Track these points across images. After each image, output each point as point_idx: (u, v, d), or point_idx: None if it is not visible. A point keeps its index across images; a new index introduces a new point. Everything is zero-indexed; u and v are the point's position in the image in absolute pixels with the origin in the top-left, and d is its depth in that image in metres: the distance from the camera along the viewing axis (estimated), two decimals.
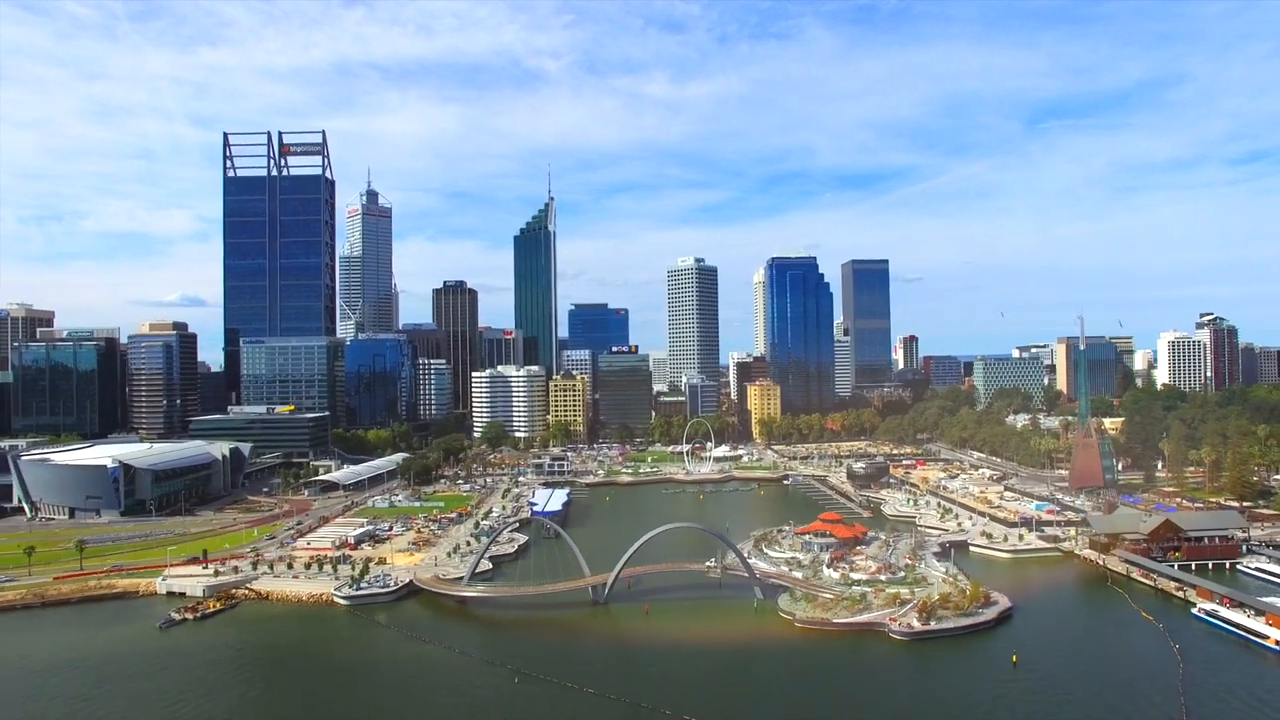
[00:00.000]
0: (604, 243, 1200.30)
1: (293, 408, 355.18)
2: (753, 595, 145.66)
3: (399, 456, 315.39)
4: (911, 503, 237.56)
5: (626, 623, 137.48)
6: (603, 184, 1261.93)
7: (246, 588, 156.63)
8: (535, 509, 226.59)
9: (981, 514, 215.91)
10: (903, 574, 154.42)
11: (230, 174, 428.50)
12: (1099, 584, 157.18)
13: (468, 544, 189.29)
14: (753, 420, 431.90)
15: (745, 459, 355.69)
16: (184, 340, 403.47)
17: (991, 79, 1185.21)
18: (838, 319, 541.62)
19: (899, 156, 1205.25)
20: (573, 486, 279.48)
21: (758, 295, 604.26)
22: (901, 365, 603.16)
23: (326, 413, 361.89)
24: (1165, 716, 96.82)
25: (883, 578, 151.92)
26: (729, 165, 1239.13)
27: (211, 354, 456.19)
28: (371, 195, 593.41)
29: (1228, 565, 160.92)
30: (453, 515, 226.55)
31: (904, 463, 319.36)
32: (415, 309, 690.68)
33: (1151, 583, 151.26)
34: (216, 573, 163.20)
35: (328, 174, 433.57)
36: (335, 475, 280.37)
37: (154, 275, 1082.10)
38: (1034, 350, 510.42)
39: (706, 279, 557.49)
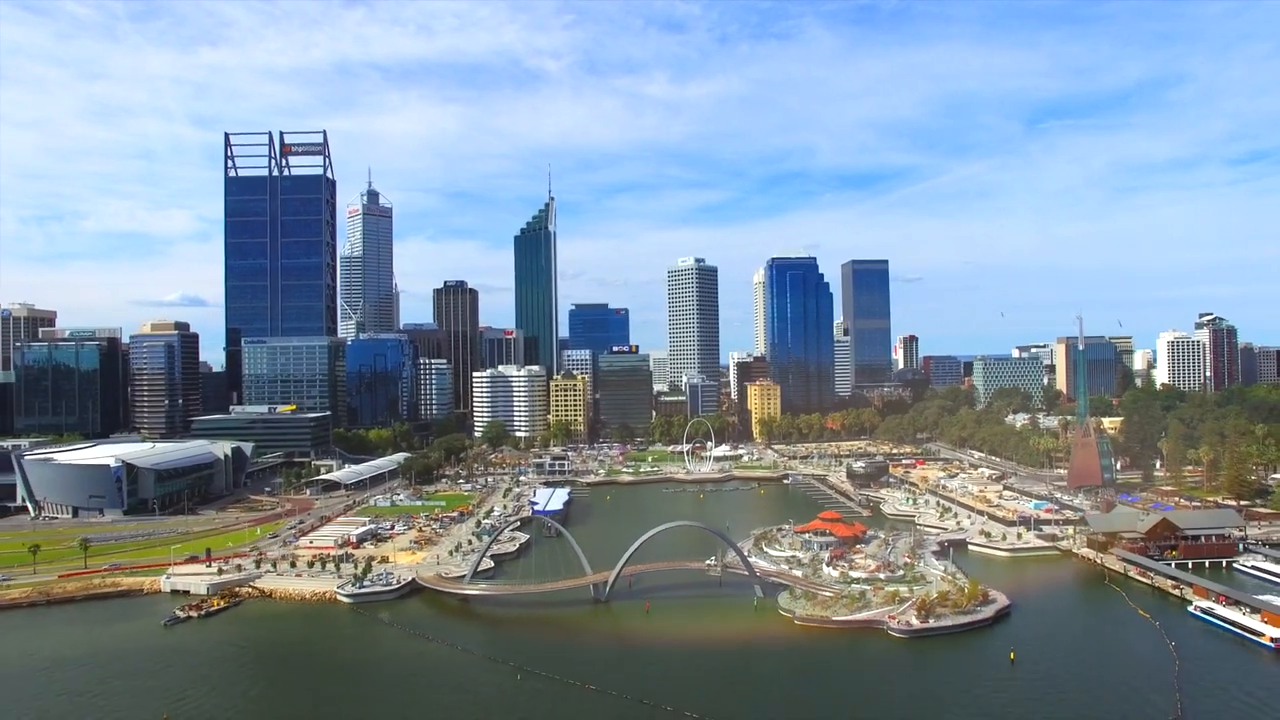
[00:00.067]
0: (604, 243, 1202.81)
1: (294, 407, 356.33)
2: (753, 593, 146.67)
3: (400, 456, 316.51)
4: (911, 502, 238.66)
5: (627, 621, 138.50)
6: (603, 184, 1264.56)
7: (250, 586, 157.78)
8: (536, 508, 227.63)
9: (980, 513, 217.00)
10: (902, 572, 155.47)
11: (231, 174, 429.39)
12: (1096, 582, 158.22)
13: (469, 543, 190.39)
14: (753, 420, 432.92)
15: (745, 458, 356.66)
16: (186, 340, 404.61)
17: (992, 79, 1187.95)
18: (838, 319, 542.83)
19: (899, 156, 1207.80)
20: (573, 486, 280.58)
21: (758, 295, 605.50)
22: (901, 365, 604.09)
23: (328, 412, 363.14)
24: (1161, 713, 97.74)
25: (882, 576, 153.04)
26: (729, 165, 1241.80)
27: (212, 354, 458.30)
28: (372, 195, 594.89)
29: (1224, 564, 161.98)
30: (454, 514, 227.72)
31: (903, 462, 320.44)
32: (416, 309, 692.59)
33: (1149, 581, 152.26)
34: (220, 571, 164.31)
35: (329, 174, 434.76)
36: (337, 475, 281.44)
37: (154, 275, 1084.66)
38: (1034, 350, 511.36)
39: (707, 279, 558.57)
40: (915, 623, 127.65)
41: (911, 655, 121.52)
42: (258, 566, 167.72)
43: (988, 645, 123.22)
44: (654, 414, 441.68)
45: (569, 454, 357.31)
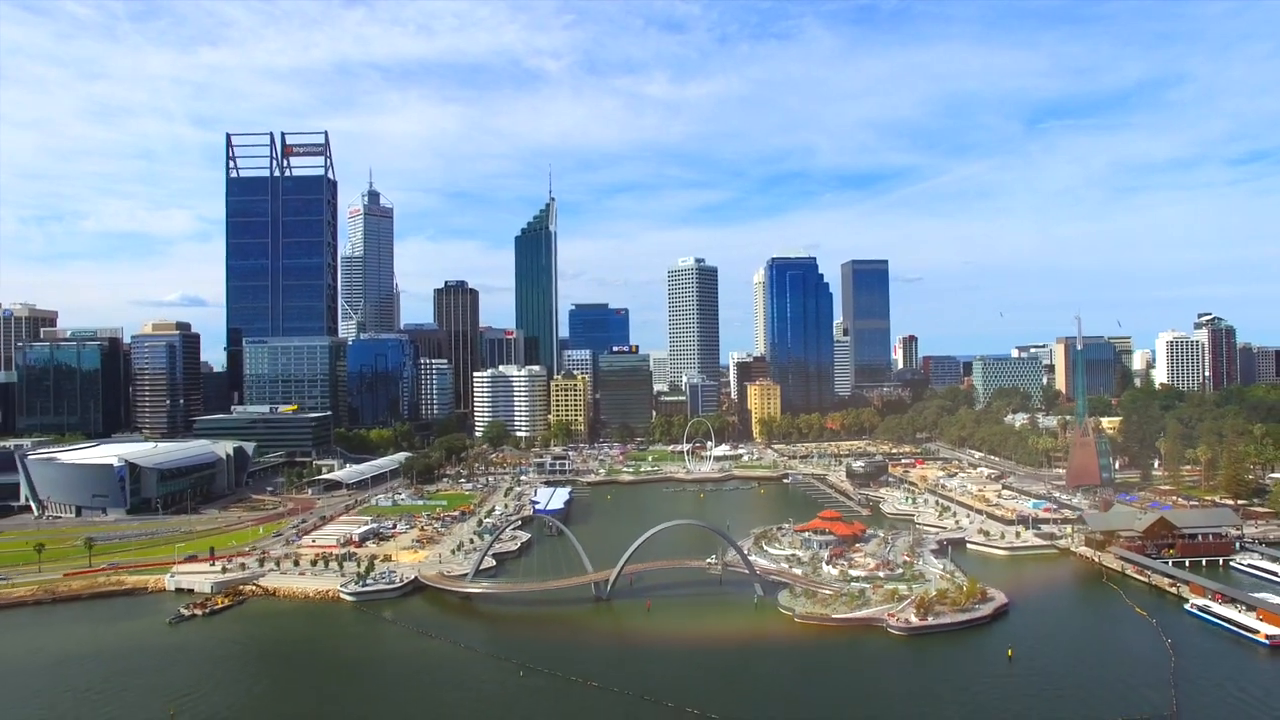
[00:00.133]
0: (604, 243, 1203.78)
1: (296, 407, 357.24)
2: (753, 592, 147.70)
3: (401, 456, 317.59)
4: (910, 501, 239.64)
5: (629, 619, 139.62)
6: (603, 184, 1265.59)
7: (254, 584, 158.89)
8: (537, 507, 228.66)
9: (979, 512, 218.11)
10: (901, 571, 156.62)
11: (233, 174, 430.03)
12: (1094, 580, 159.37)
13: (471, 541, 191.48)
14: (753, 420, 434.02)
15: (745, 458, 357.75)
16: (187, 340, 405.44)
17: (992, 79, 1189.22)
18: (837, 319, 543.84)
19: (899, 156, 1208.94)
20: (574, 485, 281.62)
21: (758, 295, 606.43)
22: (901, 365, 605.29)
23: (329, 412, 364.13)
24: (1156, 709, 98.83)
25: (881, 574, 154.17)
26: (729, 165, 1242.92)
27: (212, 354, 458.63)
28: (373, 195, 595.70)
29: (1221, 562, 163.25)
30: (456, 513, 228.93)
31: (903, 462, 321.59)
32: (416, 309, 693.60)
33: (1146, 579, 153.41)
34: (224, 569, 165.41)
35: (330, 174, 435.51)
36: (339, 474, 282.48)
37: (154, 275, 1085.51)
38: (1033, 350, 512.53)
39: (707, 279, 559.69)
40: (914, 620, 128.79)
41: (910, 652, 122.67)
42: (261, 565, 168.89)
43: (986, 643, 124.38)
44: (654, 414, 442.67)
45: (569, 454, 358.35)
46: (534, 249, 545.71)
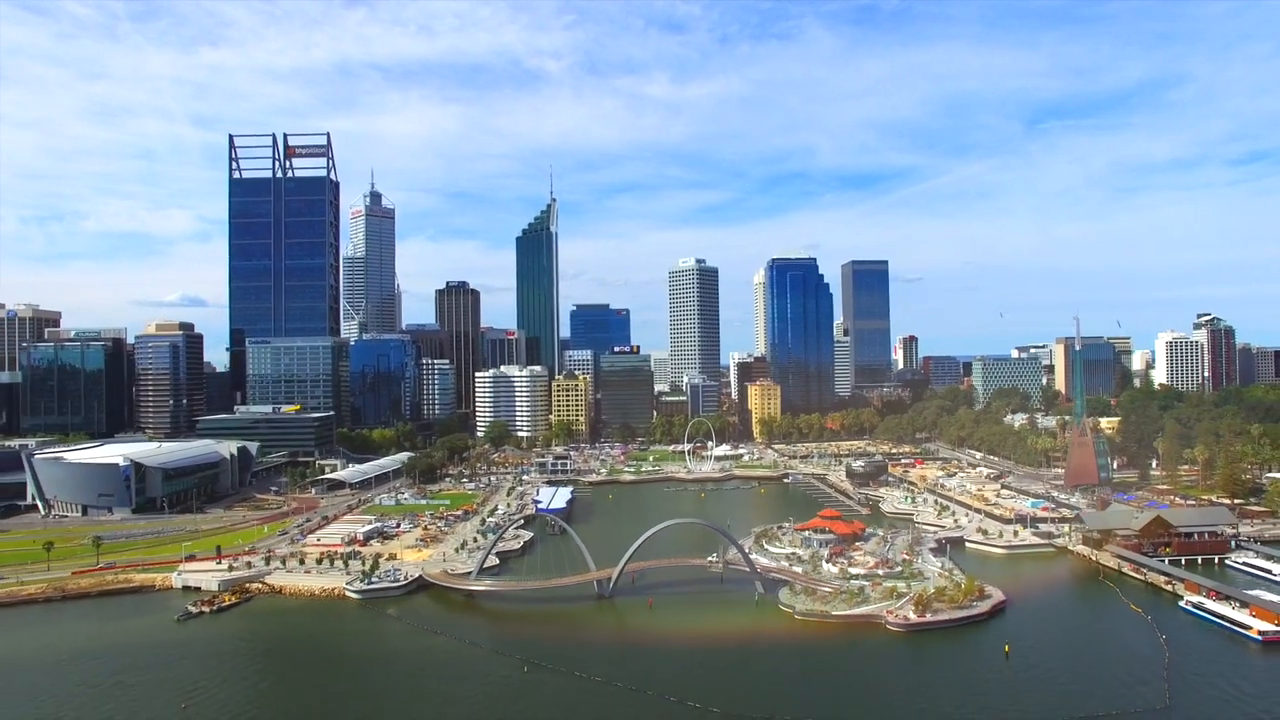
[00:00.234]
0: (605, 243, 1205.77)
1: (299, 407, 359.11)
2: (754, 589, 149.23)
3: (404, 455, 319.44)
4: (909, 500, 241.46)
5: (631, 616, 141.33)
6: (603, 184, 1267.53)
7: (260, 582, 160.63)
8: (540, 506, 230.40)
9: (978, 511, 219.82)
10: (900, 569, 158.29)
11: (236, 175, 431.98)
12: (1091, 579, 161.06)
13: (474, 540, 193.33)
14: (753, 420, 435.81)
15: (746, 458, 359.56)
16: (190, 340, 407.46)
17: (992, 79, 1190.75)
18: (838, 319, 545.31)
19: (899, 157, 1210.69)
20: (576, 485, 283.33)
21: (758, 296, 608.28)
22: (901, 365, 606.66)
23: (332, 412, 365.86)
24: (1150, 703, 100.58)
25: (880, 572, 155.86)
26: (730, 166, 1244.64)
27: (213, 354, 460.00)
28: (375, 196, 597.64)
29: (1217, 560, 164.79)
30: (459, 513, 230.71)
31: (903, 461, 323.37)
32: (418, 309, 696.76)
33: (1142, 577, 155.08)
34: (230, 568, 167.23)
35: (332, 175, 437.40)
36: (342, 474, 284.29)
37: (154, 275, 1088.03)
38: (1033, 350, 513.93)
39: (707, 280, 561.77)
40: (913, 617, 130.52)
41: (909, 649, 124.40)
42: (267, 563, 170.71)
43: (983, 639, 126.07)
44: (655, 414, 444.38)
45: (571, 453, 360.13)
46: (535, 249, 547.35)
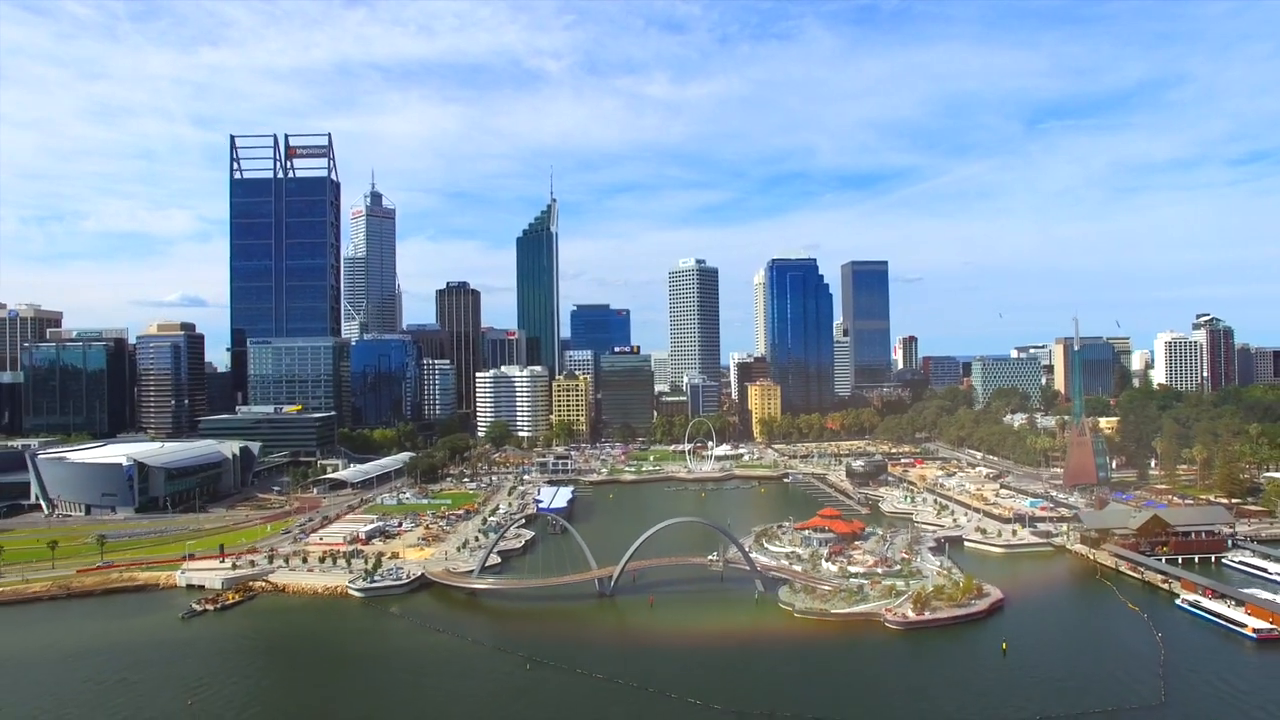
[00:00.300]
0: (605, 243, 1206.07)
1: (300, 408, 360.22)
2: (754, 588, 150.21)
3: (405, 455, 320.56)
4: (909, 500, 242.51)
5: (632, 614, 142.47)
6: (603, 184, 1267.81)
7: (263, 580, 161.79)
8: (541, 506, 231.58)
9: (977, 510, 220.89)
10: (899, 567, 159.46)
11: (237, 176, 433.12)
12: (1089, 577, 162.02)
13: (476, 539, 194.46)
14: (753, 420, 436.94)
15: (746, 458, 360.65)
16: (192, 340, 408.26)
17: (992, 79, 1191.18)
18: (837, 319, 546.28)
19: (899, 157, 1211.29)
20: (576, 484, 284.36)
21: (758, 296, 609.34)
22: (901, 365, 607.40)
23: (333, 412, 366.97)
24: (1146, 700, 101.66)
25: (879, 571, 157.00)
26: (730, 166, 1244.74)
27: (214, 354, 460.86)
28: (376, 197, 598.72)
29: (1213, 559, 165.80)
30: (460, 512, 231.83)
31: (902, 461, 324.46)
32: (418, 309, 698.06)
33: (1139, 576, 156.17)
34: (234, 566, 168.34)
35: (333, 176, 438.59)
36: (344, 474, 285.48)
37: (154, 275, 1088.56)
38: (1032, 351, 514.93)
39: (707, 280, 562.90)
40: (911, 615, 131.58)
41: (907, 646, 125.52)
42: (270, 562, 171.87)
43: (981, 637, 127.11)
44: (655, 414, 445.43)
45: (571, 453, 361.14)
46: (535, 250, 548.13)
